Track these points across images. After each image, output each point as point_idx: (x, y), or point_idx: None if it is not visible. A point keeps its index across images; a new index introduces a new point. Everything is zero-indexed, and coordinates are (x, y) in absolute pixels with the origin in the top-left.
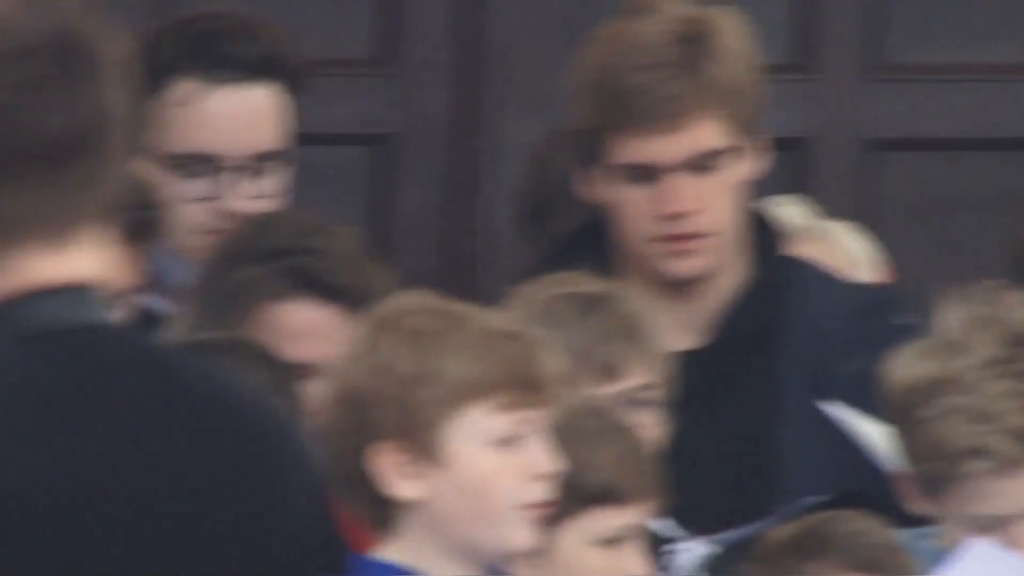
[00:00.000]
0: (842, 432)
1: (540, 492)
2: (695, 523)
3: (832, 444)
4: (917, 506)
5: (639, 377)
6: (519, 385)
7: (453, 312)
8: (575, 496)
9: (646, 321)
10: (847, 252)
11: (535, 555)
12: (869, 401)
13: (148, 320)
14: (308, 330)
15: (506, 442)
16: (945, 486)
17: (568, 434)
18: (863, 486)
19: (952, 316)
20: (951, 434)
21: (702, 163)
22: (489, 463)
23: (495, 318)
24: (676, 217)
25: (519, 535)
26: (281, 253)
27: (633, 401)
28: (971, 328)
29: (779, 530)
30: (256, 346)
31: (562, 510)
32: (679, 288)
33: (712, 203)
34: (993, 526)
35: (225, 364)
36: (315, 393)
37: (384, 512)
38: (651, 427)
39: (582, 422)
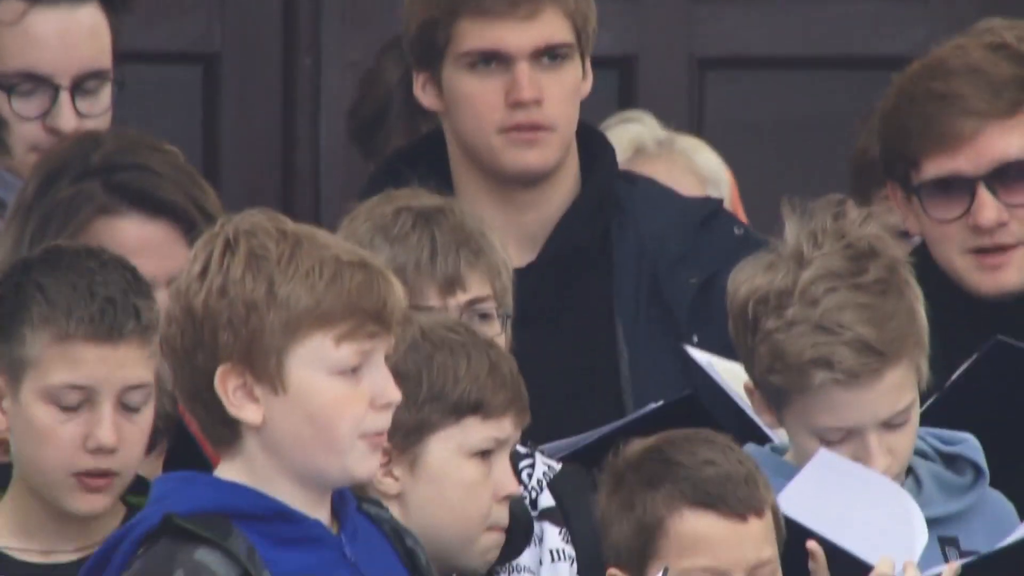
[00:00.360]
0: (698, 371)
1: (382, 421)
2: (537, 438)
3: (675, 360)
4: (764, 419)
5: (479, 289)
6: (363, 315)
7: (298, 235)
8: (448, 407)
9: (483, 233)
10: (693, 166)
11: (409, 469)
12: (710, 312)
13: None
14: (139, 246)
15: (348, 371)
16: (791, 398)
17: (438, 346)
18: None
19: (795, 229)
20: (796, 346)
21: (550, 55)
22: (330, 392)
23: (342, 245)
24: (524, 105)
25: (362, 464)
26: (110, 169)
27: (475, 313)
28: (814, 241)
29: (632, 445)
30: (113, 252)
31: (434, 421)
32: (517, 196)
33: (557, 96)
34: (838, 438)
35: (86, 264)
36: (160, 308)
37: (228, 431)
38: (495, 339)
39: (451, 335)
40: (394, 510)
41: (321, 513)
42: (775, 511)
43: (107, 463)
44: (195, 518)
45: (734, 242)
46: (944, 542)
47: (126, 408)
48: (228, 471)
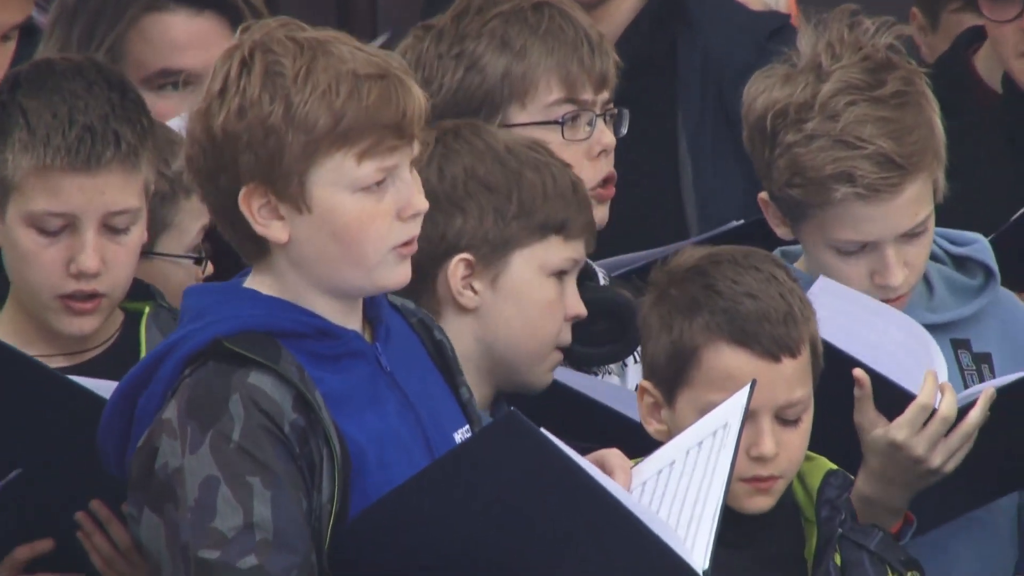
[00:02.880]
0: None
1: (409, 230)
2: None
3: (739, 172)
4: (780, 232)
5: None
6: (383, 131)
7: (315, 47)
8: (535, 225)
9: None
10: None
11: (490, 284)
12: None
13: (32, 33)
14: (187, 40)
15: (372, 187)
16: (809, 212)
17: (524, 163)
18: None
19: (811, 40)
20: (817, 160)
21: None
22: (355, 210)
23: (358, 55)
24: None
25: (391, 274)
26: None
27: (607, 113)
28: (832, 53)
29: (680, 257)
30: (107, 69)
31: (521, 238)
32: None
33: None
34: (855, 250)
35: (71, 87)
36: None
37: (256, 247)
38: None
39: (533, 154)
40: (471, 324)
41: (354, 322)
42: (814, 345)
43: (91, 285)
44: (242, 339)
45: None
46: (956, 345)
47: (112, 230)
48: (260, 284)
